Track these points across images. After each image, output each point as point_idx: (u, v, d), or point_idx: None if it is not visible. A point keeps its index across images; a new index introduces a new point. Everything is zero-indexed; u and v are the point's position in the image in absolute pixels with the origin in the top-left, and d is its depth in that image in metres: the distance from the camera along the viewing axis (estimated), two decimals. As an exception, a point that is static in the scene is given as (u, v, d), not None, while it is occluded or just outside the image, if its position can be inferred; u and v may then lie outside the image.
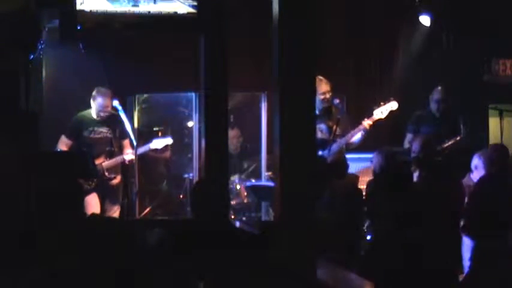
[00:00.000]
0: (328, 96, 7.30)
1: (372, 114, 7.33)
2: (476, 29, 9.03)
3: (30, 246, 3.55)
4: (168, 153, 8.69)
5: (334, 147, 7.12)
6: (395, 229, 4.77)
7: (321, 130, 7.24)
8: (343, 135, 7.25)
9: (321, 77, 7.22)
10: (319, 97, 7.20)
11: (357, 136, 7.28)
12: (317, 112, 7.15)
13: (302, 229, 4.01)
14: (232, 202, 7.97)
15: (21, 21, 6.68)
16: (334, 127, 7.21)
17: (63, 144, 7.45)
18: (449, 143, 7.49)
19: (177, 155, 8.78)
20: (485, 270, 4.00)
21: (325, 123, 7.28)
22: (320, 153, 6.89)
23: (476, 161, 5.83)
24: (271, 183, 7.50)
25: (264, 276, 3.74)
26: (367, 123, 7.24)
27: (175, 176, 8.81)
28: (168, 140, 7.91)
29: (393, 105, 7.40)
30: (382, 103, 7.40)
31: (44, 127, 7.62)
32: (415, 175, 5.97)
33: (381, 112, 7.35)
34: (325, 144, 7.11)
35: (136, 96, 8.53)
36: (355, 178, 6.89)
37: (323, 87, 7.25)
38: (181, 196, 8.57)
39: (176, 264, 3.69)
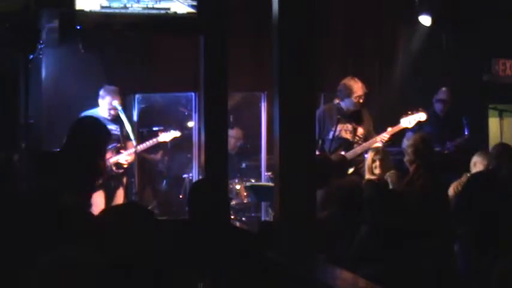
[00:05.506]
0: (362, 99, 7.16)
1: (399, 123, 7.21)
2: (476, 29, 9.03)
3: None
4: (159, 155, 8.68)
5: (350, 153, 7.05)
6: None
7: (347, 130, 7.17)
8: (365, 139, 7.16)
9: (356, 79, 7.18)
10: (354, 98, 7.10)
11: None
12: (346, 112, 7.16)
13: (302, 229, 4.01)
14: (232, 202, 7.97)
15: (21, 21, 6.69)
16: (358, 129, 7.17)
17: None
18: (457, 141, 7.49)
19: (177, 155, 8.76)
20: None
21: (351, 124, 7.20)
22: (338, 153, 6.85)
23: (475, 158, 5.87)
24: (271, 183, 7.49)
25: (263, 276, 3.73)
26: (385, 136, 7.08)
27: (175, 176, 8.80)
28: (176, 133, 7.92)
29: (421, 116, 7.21)
30: (410, 112, 7.22)
31: (44, 127, 7.64)
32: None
33: (409, 122, 7.18)
34: (348, 145, 7.07)
35: (136, 96, 8.52)
36: (358, 179, 6.83)
37: (360, 89, 7.12)
38: (181, 196, 8.56)
39: (176, 264, 3.68)
